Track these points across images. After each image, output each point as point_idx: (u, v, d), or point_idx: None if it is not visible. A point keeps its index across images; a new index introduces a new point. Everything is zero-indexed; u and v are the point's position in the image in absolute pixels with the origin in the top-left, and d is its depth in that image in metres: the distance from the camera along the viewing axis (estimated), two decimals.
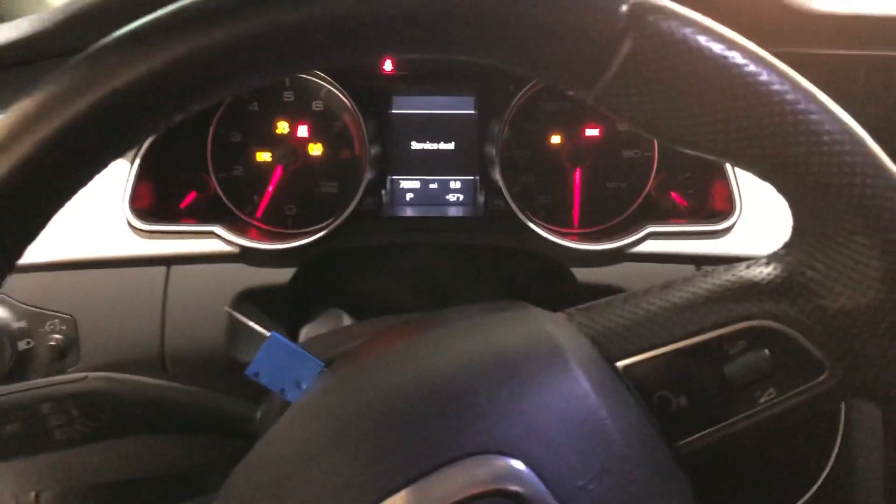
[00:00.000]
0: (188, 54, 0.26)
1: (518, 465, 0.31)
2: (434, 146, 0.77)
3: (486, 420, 0.32)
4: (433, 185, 0.77)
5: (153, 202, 0.72)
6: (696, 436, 0.37)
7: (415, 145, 0.77)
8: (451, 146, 0.77)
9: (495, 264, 0.78)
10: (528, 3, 0.28)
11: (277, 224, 0.76)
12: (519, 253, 0.74)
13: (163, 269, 0.68)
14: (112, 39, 0.27)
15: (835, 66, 0.70)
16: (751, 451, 0.69)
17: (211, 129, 0.75)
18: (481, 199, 0.76)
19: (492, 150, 0.73)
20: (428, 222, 0.76)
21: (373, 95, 0.75)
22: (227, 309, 0.58)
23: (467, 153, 0.77)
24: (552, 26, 0.28)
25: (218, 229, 0.69)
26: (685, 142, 0.31)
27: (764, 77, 0.29)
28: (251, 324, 0.50)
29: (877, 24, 0.69)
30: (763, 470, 0.71)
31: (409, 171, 0.77)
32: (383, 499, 0.31)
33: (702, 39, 0.28)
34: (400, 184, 0.77)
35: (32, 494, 0.80)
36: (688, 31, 0.28)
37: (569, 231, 0.75)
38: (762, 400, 0.36)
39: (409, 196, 0.77)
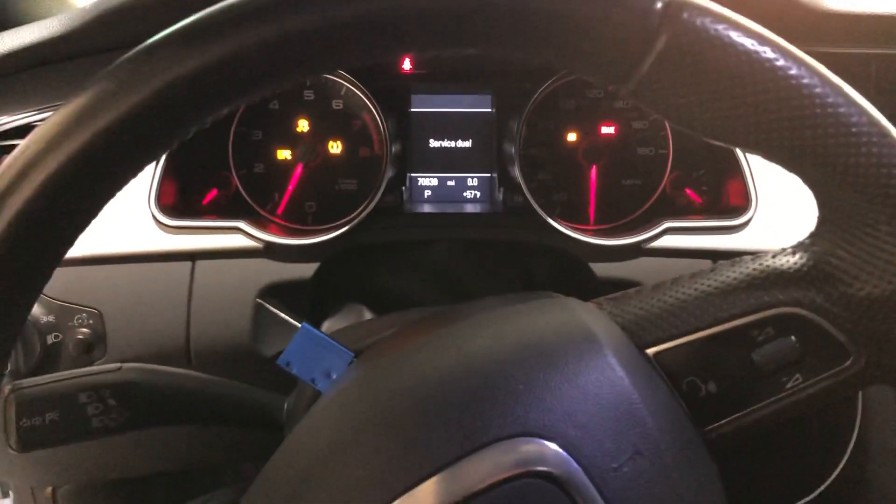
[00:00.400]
0: (221, 56, 0.27)
1: (554, 447, 0.32)
2: (452, 144, 0.78)
3: (522, 404, 0.33)
4: (451, 183, 0.78)
5: (177, 199, 0.73)
6: (724, 421, 0.37)
7: (433, 143, 0.78)
8: (468, 144, 0.78)
9: (514, 260, 0.79)
10: (566, 0, 0.29)
11: (297, 221, 0.77)
12: (538, 248, 0.74)
13: (188, 264, 0.69)
14: (164, 36, 0.28)
15: (846, 63, 0.71)
16: (773, 439, 0.70)
17: (232, 128, 0.76)
18: (499, 195, 0.77)
19: (511, 148, 0.74)
20: (447, 218, 0.77)
21: (392, 94, 0.76)
22: (258, 300, 0.59)
23: (484, 151, 0.78)
24: (589, 23, 0.29)
25: (243, 225, 0.70)
26: (716, 134, 0.32)
27: (794, 71, 0.30)
28: (283, 315, 0.51)
29: (887, 23, 0.70)
30: (783, 456, 0.72)
31: (428, 169, 0.78)
32: (421, 481, 0.31)
33: (734, 35, 0.29)
34: (418, 181, 0.78)
35: (49, 489, 0.81)
36: (720, 27, 0.29)
37: (585, 227, 0.76)
38: (789, 385, 0.37)
39: (427, 193, 0.78)
